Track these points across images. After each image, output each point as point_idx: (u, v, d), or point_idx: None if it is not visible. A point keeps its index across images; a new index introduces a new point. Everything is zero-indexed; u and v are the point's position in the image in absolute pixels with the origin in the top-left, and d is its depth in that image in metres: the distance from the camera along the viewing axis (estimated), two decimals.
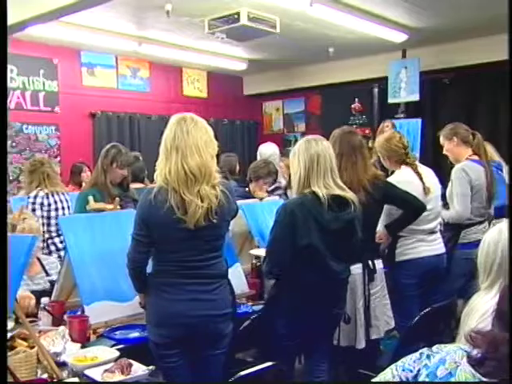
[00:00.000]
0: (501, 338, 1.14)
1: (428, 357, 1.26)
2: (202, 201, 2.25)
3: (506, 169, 4.78)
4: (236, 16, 5.31)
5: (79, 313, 2.65)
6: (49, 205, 4.47)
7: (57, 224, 4.36)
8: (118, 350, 2.32)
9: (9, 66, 6.15)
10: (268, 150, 5.59)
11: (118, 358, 2.20)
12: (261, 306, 3.03)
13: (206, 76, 8.93)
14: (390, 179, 3.44)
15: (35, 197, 4.42)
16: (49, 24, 4.96)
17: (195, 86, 8.79)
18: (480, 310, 1.87)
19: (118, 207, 3.26)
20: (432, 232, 3.58)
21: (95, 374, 2.10)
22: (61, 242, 4.37)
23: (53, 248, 4.43)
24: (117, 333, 2.57)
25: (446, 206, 3.82)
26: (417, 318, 2.81)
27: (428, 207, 3.40)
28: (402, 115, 7.32)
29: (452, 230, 3.83)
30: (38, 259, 3.26)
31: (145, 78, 8.12)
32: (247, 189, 4.51)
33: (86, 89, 7.41)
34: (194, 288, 2.31)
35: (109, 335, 2.55)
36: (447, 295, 3.28)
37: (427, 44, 7.01)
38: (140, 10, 5.73)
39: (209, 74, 8.93)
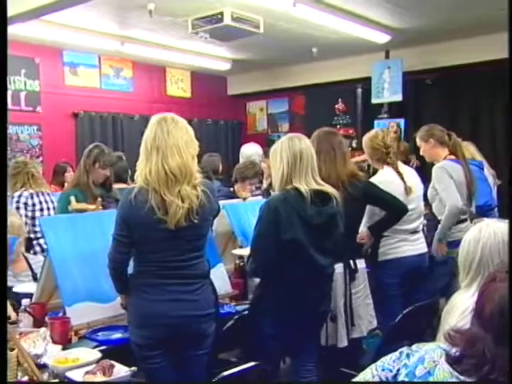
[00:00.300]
0: (479, 336, 1.15)
1: (407, 356, 1.27)
2: (182, 201, 2.24)
3: (487, 168, 4.85)
4: (219, 16, 5.31)
5: (61, 314, 2.62)
6: (33, 205, 4.43)
7: None
8: (100, 351, 2.30)
9: None
10: (249, 151, 5.60)
11: (100, 359, 2.18)
12: (244, 306, 3.02)
13: (189, 76, 8.90)
14: (373, 179, 3.46)
15: (19, 196, 4.38)
16: (30, 23, 4.92)
17: (179, 86, 8.77)
18: (460, 308, 1.89)
19: (100, 207, 3.25)
20: (414, 232, 3.61)
21: (76, 375, 2.07)
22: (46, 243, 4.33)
23: (38, 249, 4.39)
24: (99, 334, 2.55)
25: (427, 206, 3.84)
26: (399, 317, 2.82)
27: (410, 207, 3.42)
28: (385, 115, 7.37)
29: (435, 230, 3.86)
30: (25, 257, 3.23)
31: (128, 77, 8.07)
32: (232, 189, 4.51)
33: (68, 88, 7.35)
34: (175, 288, 2.30)
35: (91, 336, 2.52)
36: (430, 294, 3.30)
37: (410, 45, 7.06)
38: (122, 10, 5.70)
39: (192, 74, 8.90)
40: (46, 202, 4.53)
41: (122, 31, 6.53)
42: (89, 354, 2.25)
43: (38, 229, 4.41)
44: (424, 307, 2.99)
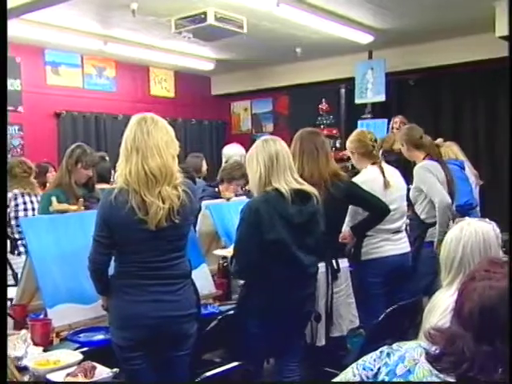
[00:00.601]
0: (458, 334, 1.16)
1: (388, 355, 1.28)
2: (163, 202, 2.23)
3: (469, 167, 4.89)
4: (203, 16, 5.30)
5: (42, 316, 2.59)
6: (16, 205, 4.40)
7: None
8: (82, 352, 2.28)
9: None
10: (231, 151, 5.59)
11: (82, 361, 2.16)
12: (228, 307, 3.01)
13: (173, 76, 8.88)
14: (355, 179, 3.47)
15: None
16: (10, 21, 4.86)
17: (162, 86, 8.74)
18: (441, 307, 1.90)
19: (82, 208, 3.21)
20: (397, 231, 3.62)
21: (57, 377, 2.05)
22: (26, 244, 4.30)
23: (22, 249, 4.35)
24: (81, 335, 2.52)
25: (409, 206, 3.86)
26: (382, 316, 2.84)
27: (393, 207, 3.44)
28: (368, 115, 7.41)
29: (418, 229, 3.88)
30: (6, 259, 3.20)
31: (111, 77, 8.02)
32: (216, 189, 4.50)
33: (50, 88, 7.30)
34: (156, 289, 2.29)
35: (72, 338, 2.50)
36: (413, 293, 3.32)
37: (393, 45, 7.12)
38: (105, 9, 5.67)
39: (176, 74, 8.88)
40: (32, 202, 4.50)
41: (104, 31, 6.49)
42: (70, 355, 2.23)
43: (21, 229, 4.38)
44: (407, 306, 3.00)
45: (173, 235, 2.31)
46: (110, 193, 2.26)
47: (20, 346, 2.23)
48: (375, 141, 3.68)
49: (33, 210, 4.50)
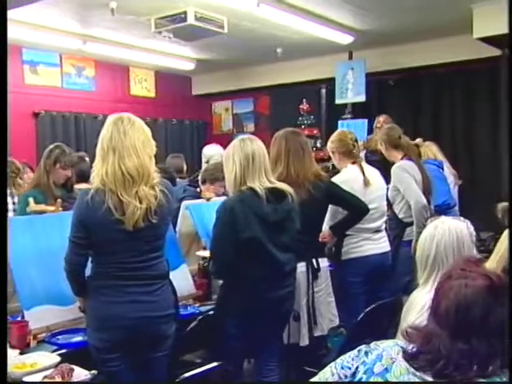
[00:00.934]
0: (434, 332, 1.17)
1: (366, 354, 1.28)
2: (140, 202, 2.22)
3: (448, 167, 4.95)
4: (183, 15, 5.28)
5: (19, 318, 2.56)
6: None
7: None
8: (60, 354, 2.27)
9: None
10: (211, 151, 5.57)
11: (61, 362, 2.14)
12: (208, 307, 3.01)
13: (153, 75, 8.82)
14: (335, 179, 3.49)
15: None
16: None
17: (143, 86, 8.68)
18: (419, 304, 1.92)
19: (61, 209, 3.18)
20: (377, 231, 3.64)
21: (34, 380, 2.03)
22: None
23: None
24: (59, 337, 2.50)
25: (388, 205, 3.88)
26: (362, 315, 2.85)
27: (373, 206, 3.46)
28: (349, 116, 7.43)
29: (397, 228, 3.91)
30: None
31: (90, 76, 7.95)
32: (198, 189, 4.48)
33: (28, 87, 7.20)
34: (134, 290, 2.27)
35: (51, 340, 2.47)
36: (393, 292, 3.34)
37: (373, 46, 7.15)
38: (84, 8, 5.61)
39: (157, 74, 8.83)
40: (14, 203, 4.44)
41: (83, 30, 6.43)
42: (47, 358, 2.21)
43: None
44: (387, 305, 3.02)
45: (150, 235, 2.30)
46: (87, 193, 2.24)
47: None
48: (355, 141, 3.73)
49: (14, 211, 4.44)
